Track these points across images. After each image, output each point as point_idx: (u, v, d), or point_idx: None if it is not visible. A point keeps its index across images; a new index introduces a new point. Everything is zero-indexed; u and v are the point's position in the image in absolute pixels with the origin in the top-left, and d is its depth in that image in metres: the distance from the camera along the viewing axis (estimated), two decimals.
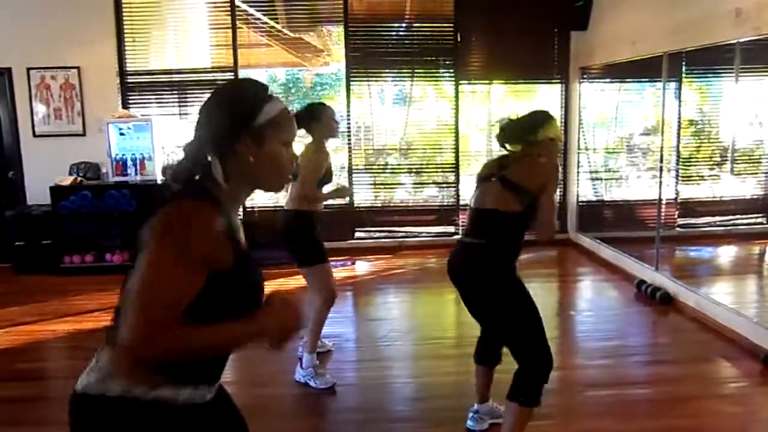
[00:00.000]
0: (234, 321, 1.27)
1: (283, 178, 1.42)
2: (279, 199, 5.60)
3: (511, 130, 2.80)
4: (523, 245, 2.68)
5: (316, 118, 3.50)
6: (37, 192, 6.11)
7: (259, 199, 6.58)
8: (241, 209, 6.35)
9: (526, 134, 2.75)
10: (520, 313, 2.61)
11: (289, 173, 1.42)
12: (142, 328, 1.17)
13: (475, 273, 2.65)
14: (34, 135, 6.26)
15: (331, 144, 3.72)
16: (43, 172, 6.03)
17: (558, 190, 2.84)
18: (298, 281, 5.42)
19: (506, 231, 2.63)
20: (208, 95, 1.39)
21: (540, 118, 2.80)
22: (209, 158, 1.35)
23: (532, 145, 2.73)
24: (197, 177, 1.37)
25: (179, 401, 1.30)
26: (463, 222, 6.63)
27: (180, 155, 1.39)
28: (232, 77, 6.40)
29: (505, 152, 2.82)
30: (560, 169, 2.96)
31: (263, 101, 1.35)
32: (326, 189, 3.57)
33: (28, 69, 6.17)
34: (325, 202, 3.73)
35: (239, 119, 1.32)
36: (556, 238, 6.64)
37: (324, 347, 3.97)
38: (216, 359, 1.39)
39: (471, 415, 3.00)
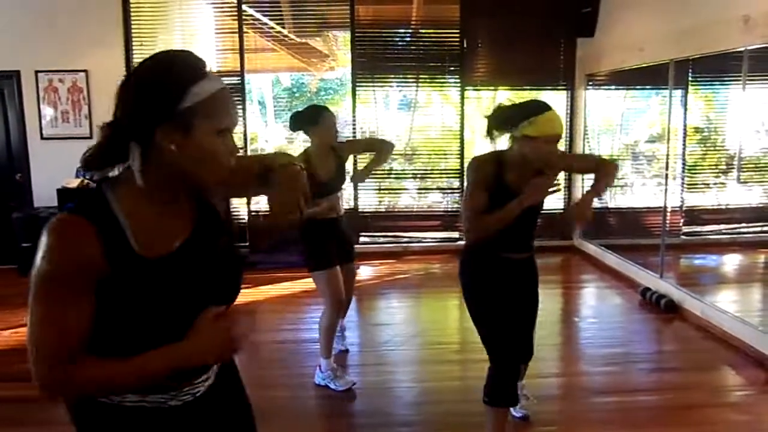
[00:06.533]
0: (153, 350, 1.15)
1: (217, 171, 1.20)
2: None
3: (499, 117, 2.44)
4: (504, 245, 2.55)
5: (313, 121, 3.39)
6: (44, 194, 6.14)
7: (262, 202, 6.58)
8: (245, 213, 6.45)
9: (508, 124, 2.37)
10: (486, 312, 2.58)
11: (226, 164, 1.20)
12: (42, 371, 1.15)
13: (460, 272, 2.71)
14: (42, 137, 6.30)
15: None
16: (51, 174, 6.05)
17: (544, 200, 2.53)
18: (303, 285, 5.44)
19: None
20: (131, 71, 1.20)
21: (529, 110, 2.34)
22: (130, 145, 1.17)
23: (513, 139, 2.41)
24: (117, 169, 1.21)
25: (147, 404, 1.25)
26: None
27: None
28: (237, 80, 6.44)
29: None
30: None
31: (190, 81, 1.13)
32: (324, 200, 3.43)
33: (37, 72, 6.21)
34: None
35: (160, 103, 1.12)
36: (560, 245, 6.65)
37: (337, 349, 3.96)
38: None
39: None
